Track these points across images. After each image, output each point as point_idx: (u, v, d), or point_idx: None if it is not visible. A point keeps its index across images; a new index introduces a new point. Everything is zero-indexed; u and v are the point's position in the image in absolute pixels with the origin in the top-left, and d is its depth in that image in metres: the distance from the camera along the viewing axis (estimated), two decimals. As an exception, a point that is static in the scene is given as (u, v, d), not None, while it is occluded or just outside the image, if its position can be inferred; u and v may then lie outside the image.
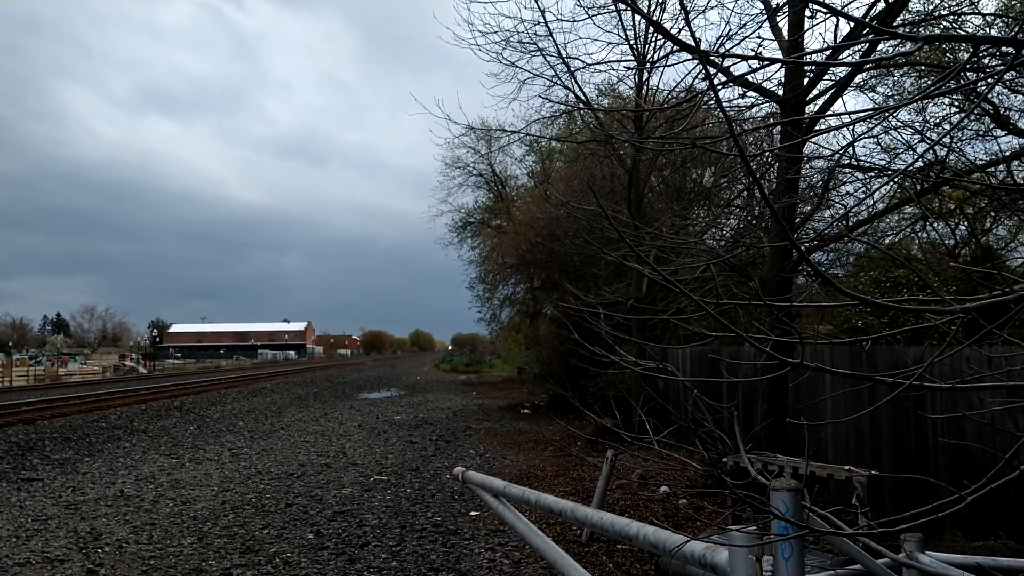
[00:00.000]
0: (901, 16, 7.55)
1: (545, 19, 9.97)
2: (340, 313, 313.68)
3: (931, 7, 8.69)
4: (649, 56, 11.98)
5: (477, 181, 35.29)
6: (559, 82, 11.93)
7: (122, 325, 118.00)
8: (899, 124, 8.63)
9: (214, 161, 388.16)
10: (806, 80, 7.99)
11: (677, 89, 11.47)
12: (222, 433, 17.39)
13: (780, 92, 8.39)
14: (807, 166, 9.77)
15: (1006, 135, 9.72)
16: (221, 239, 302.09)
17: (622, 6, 9.75)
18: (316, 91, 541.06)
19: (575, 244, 15.51)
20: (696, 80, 10.44)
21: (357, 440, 15.85)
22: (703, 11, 9.95)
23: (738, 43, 9.43)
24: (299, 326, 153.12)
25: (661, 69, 12.87)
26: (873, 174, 8.33)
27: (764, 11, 8.54)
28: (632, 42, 11.91)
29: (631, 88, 13.81)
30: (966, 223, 11.87)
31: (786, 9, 8.21)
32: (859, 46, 6.81)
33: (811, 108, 8.32)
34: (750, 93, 8.69)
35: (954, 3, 8.66)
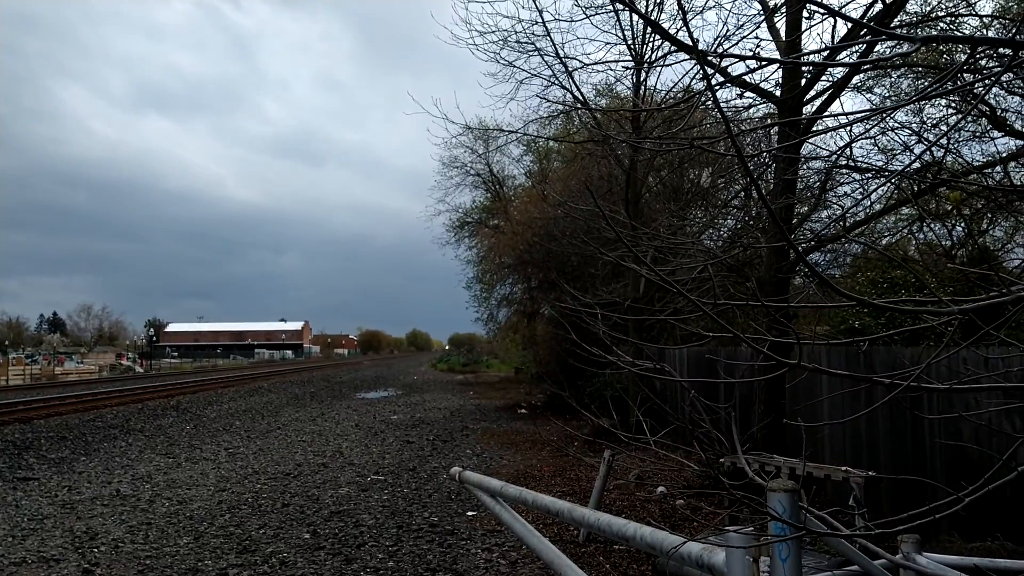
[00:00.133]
0: (898, 18, 7.57)
1: (543, 19, 9.97)
2: (337, 312, 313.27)
3: (928, 9, 8.71)
4: (647, 56, 11.99)
5: (475, 181, 35.31)
6: (557, 82, 11.94)
7: (119, 324, 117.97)
8: (896, 125, 8.65)
9: (211, 160, 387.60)
10: (803, 81, 7.99)
11: (675, 89, 11.48)
12: (219, 432, 17.36)
13: (777, 93, 8.40)
14: (804, 167, 9.78)
15: (1003, 136, 9.74)
16: (218, 238, 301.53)
17: (620, 6, 9.76)
18: (313, 90, 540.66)
19: (572, 244, 15.51)
20: (694, 80, 10.46)
21: (354, 440, 15.83)
22: (701, 11, 9.95)
23: (736, 43, 9.44)
24: (296, 325, 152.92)
25: (659, 69, 12.89)
26: (870, 175, 8.35)
27: (762, 12, 8.55)
28: (630, 42, 11.91)
29: (629, 88, 13.83)
30: (963, 224, 11.90)
31: (784, 10, 8.21)
32: (857, 47, 6.82)
33: (808, 109, 8.33)
34: (748, 94, 8.69)
35: (951, 5, 8.67)
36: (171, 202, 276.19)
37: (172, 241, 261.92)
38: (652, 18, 10.53)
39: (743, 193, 14.15)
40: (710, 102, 9.77)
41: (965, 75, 5.91)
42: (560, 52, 10.87)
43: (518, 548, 7.30)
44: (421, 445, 14.95)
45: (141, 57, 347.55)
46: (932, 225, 11.52)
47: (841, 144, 8.83)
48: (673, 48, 8.57)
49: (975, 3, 8.60)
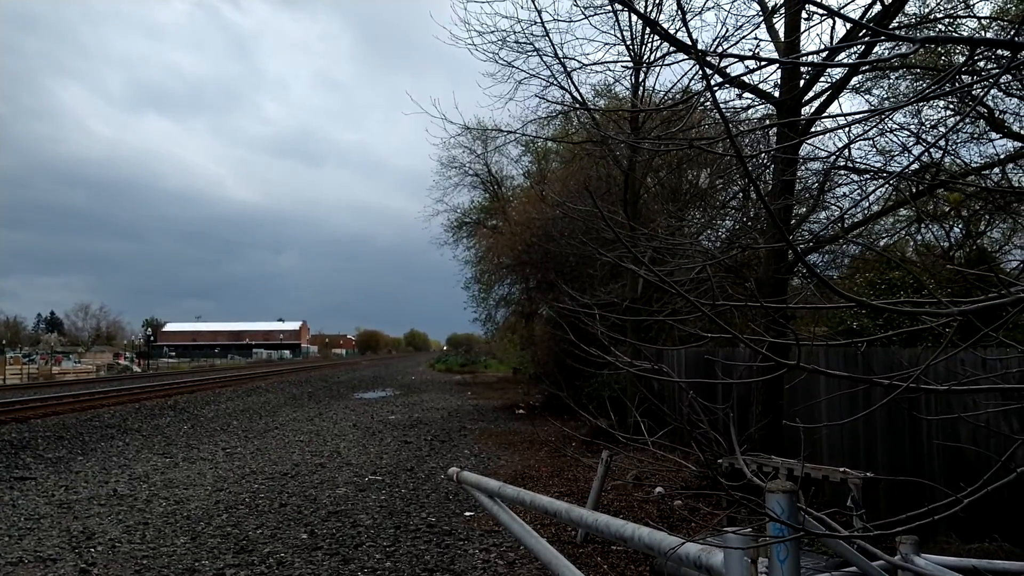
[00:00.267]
0: (897, 19, 7.57)
1: (542, 19, 9.93)
2: (335, 313, 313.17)
3: (927, 10, 8.72)
4: (645, 57, 11.97)
5: (473, 181, 35.28)
6: (555, 82, 11.91)
7: (116, 324, 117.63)
8: (895, 127, 8.65)
9: (210, 160, 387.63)
10: (802, 82, 8.00)
11: (673, 90, 11.48)
12: (216, 432, 17.34)
13: (776, 94, 8.41)
14: (803, 168, 9.77)
15: (1001, 138, 9.74)
16: (217, 238, 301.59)
17: (619, 6, 9.75)
18: (312, 90, 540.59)
19: (571, 245, 15.50)
20: (692, 81, 10.45)
21: (352, 440, 15.82)
22: (700, 12, 9.94)
23: (734, 44, 9.42)
24: (294, 325, 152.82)
25: (657, 70, 12.90)
26: (869, 176, 8.35)
27: (761, 13, 8.55)
28: (628, 43, 11.90)
29: (627, 89, 13.82)
30: (960, 226, 11.91)
31: (783, 11, 8.22)
32: (855, 48, 6.82)
33: (807, 110, 8.33)
34: (746, 94, 8.70)
35: (949, 6, 8.68)
36: (170, 202, 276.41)
37: (171, 241, 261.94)
38: (651, 18, 10.52)
39: (741, 194, 14.15)
40: (709, 103, 9.77)
41: (963, 77, 5.91)
42: (559, 52, 10.84)
43: (516, 548, 7.30)
44: (419, 445, 14.94)
45: (140, 57, 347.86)
46: (930, 226, 11.53)
47: (839, 145, 8.84)
48: (672, 48, 8.57)
49: (973, 5, 8.61)
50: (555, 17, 14.18)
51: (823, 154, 9.20)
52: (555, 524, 7.94)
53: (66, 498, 9.89)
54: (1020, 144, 9.60)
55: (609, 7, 10.36)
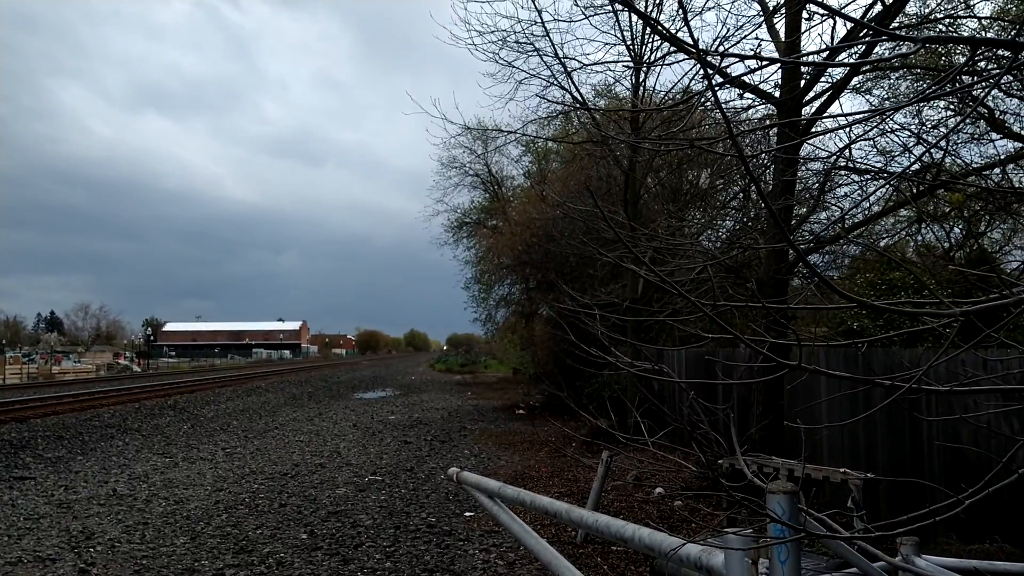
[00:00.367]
0: (897, 19, 7.57)
1: (542, 19, 9.91)
2: (335, 313, 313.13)
3: (927, 11, 8.71)
4: (646, 57, 11.97)
5: (473, 181, 35.28)
6: (556, 82, 11.90)
7: (116, 323, 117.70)
8: (895, 127, 8.64)
9: (209, 160, 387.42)
10: (803, 82, 7.99)
11: (674, 90, 11.47)
12: (216, 432, 17.34)
13: (777, 94, 8.40)
14: (803, 168, 9.77)
15: (1001, 138, 9.74)
16: (216, 238, 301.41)
17: (619, 6, 9.74)
18: (312, 90, 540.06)
19: (571, 245, 15.49)
20: (693, 81, 10.44)
21: (351, 440, 15.81)
22: (700, 12, 9.93)
23: (734, 45, 9.41)
24: (294, 325, 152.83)
25: (658, 70, 12.88)
26: (869, 176, 8.34)
27: (761, 12, 8.54)
28: (629, 43, 11.89)
29: (628, 89, 13.81)
30: (961, 226, 11.90)
31: (783, 11, 8.21)
32: (856, 48, 6.82)
33: (807, 110, 8.33)
34: (747, 95, 8.69)
35: (950, 6, 8.68)
36: (169, 201, 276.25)
37: (170, 240, 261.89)
38: (651, 18, 10.51)
39: (742, 194, 14.15)
40: (709, 103, 9.77)
41: (964, 77, 5.90)
42: (559, 52, 10.82)
43: (516, 549, 7.29)
44: (419, 445, 14.93)
45: (140, 57, 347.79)
46: (931, 227, 11.53)
47: (840, 145, 8.83)
48: (672, 49, 8.56)
49: (974, 5, 8.61)
50: (555, 17, 14.16)
51: (823, 154, 9.20)
52: (555, 524, 7.93)
53: (65, 498, 9.88)
54: (1020, 144, 9.59)
55: (609, 7, 10.36)
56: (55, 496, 10.00)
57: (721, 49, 8.47)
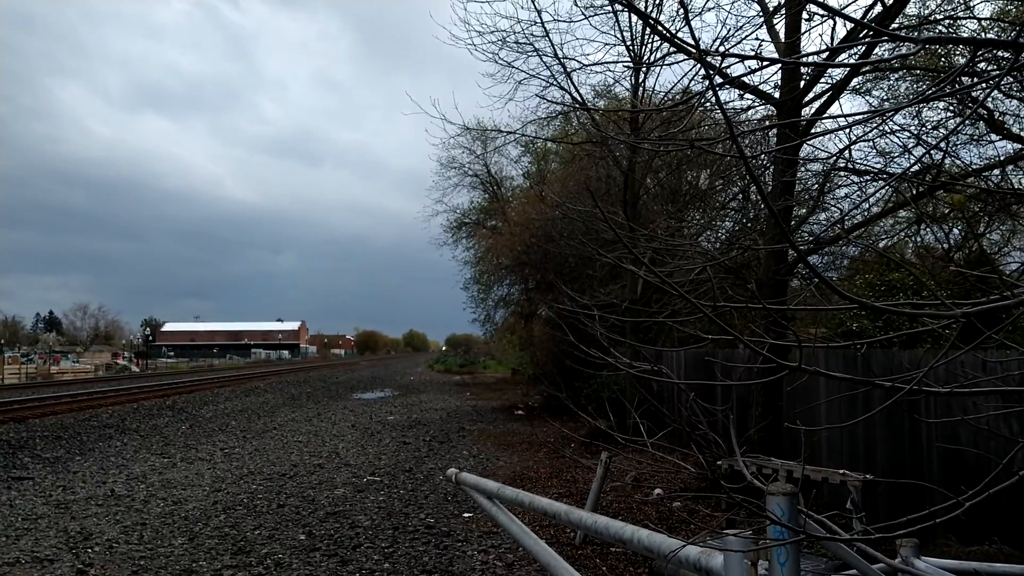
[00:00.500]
0: (897, 20, 7.57)
1: (541, 19, 9.92)
2: (334, 313, 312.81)
3: (927, 12, 8.71)
4: (645, 57, 11.97)
5: (472, 182, 35.27)
6: (555, 83, 11.90)
7: (115, 323, 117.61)
8: (895, 128, 8.63)
9: (208, 159, 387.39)
10: (802, 83, 7.99)
11: (673, 91, 11.47)
12: (214, 433, 17.32)
13: (776, 95, 8.40)
14: (803, 169, 9.77)
15: (1001, 140, 9.74)
16: (215, 238, 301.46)
17: (619, 7, 9.74)
18: (311, 90, 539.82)
19: (570, 245, 15.49)
20: (692, 82, 10.44)
21: (350, 440, 15.80)
22: (700, 13, 9.94)
23: (734, 45, 9.42)
24: (293, 326, 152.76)
25: (657, 71, 12.88)
26: (869, 177, 8.34)
27: (761, 13, 8.54)
28: (628, 43, 11.89)
29: (627, 90, 13.80)
30: (960, 227, 11.90)
31: (783, 12, 8.21)
32: (856, 49, 6.81)
33: (807, 111, 8.33)
34: (747, 95, 8.68)
35: (950, 7, 8.68)
36: (168, 201, 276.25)
37: (169, 240, 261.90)
38: (651, 19, 10.51)
39: (741, 195, 14.15)
40: (708, 103, 9.77)
41: (964, 78, 5.90)
42: (559, 53, 10.83)
43: (514, 550, 7.28)
44: (417, 446, 14.92)
45: (139, 56, 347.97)
46: (930, 228, 11.52)
47: (839, 146, 8.83)
48: (672, 49, 8.56)
49: (974, 6, 8.61)
50: (555, 17, 14.15)
51: (823, 155, 9.19)
52: (554, 525, 7.92)
53: (63, 498, 9.86)
54: (1020, 146, 9.59)
55: (609, 7, 10.36)
56: (53, 496, 9.98)
57: (721, 50, 8.47)
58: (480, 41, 12.51)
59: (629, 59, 12.04)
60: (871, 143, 8.99)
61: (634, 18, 11.24)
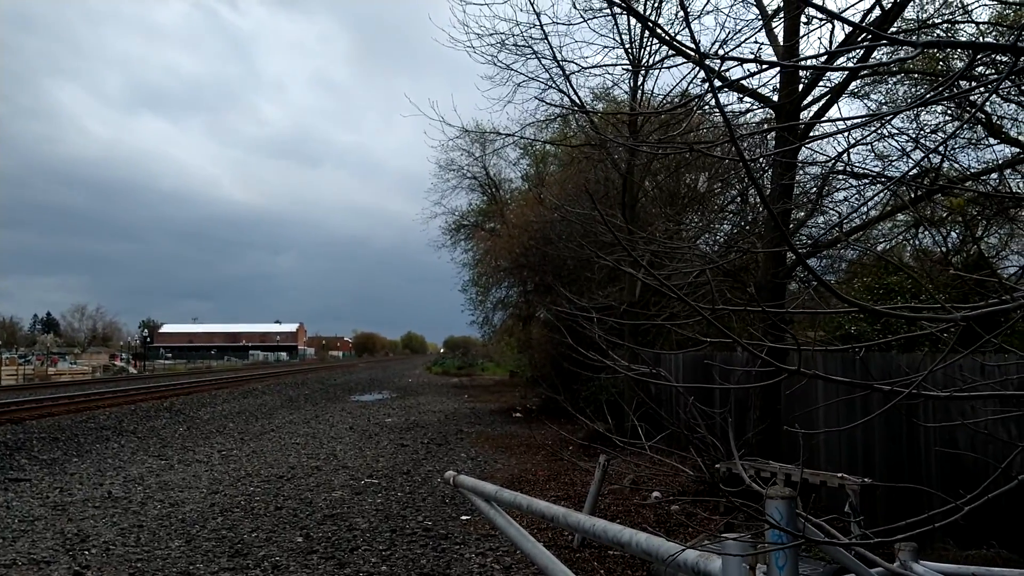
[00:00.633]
0: (896, 24, 7.58)
1: (540, 22, 9.96)
2: (332, 315, 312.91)
3: (925, 16, 8.73)
4: (644, 60, 11.99)
5: (471, 184, 35.28)
6: (554, 85, 11.92)
7: (113, 325, 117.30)
8: (894, 131, 8.65)
9: (206, 160, 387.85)
10: (801, 86, 8.00)
11: (672, 94, 11.48)
12: (212, 435, 17.29)
13: (775, 98, 8.40)
14: (801, 172, 9.78)
15: (999, 143, 9.76)
16: (213, 239, 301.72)
17: (618, 10, 9.75)
18: (309, 92, 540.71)
19: (569, 248, 15.49)
20: (691, 85, 10.45)
21: (348, 443, 15.78)
22: (698, 16, 9.96)
23: (733, 49, 9.44)
24: (291, 327, 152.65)
25: (656, 73, 12.90)
26: (867, 181, 8.35)
27: (760, 17, 8.56)
28: (627, 46, 11.91)
29: (626, 93, 13.82)
30: (958, 231, 11.91)
31: (782, 15, 8.22)
32: (855, 52, 6.82)
33: (805, 115, 8.34)
34: (746, 99, 8.69)
35: (948, 12, 8.69)
36: (167, 202, 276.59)
37: (167, 241, 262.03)
38: (650, 21, 10.52)
39: (739, 198, 14.16)
40: (707, 107, 9.77)
41: (962, 82, 5.91)
42: (557, 55, 10.87)
43: (512, 553, 7.27)
44: (415, 448, 14.90)
45: (138, 57, 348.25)
46: (928, 231, 11.53)
47: (838, 150, 8.84)
48: (671, 52, 8.57)
49: (971, 11, 8.62)
50: (554, 20, 14.14)
51: (822, 158, 9.20)
52: (552, 529, 7.90)
53: (60, 500, 9.84)
54: (1018, 150, 9.61)
55: (608, 10, 10.37)
56: (50, 498, 9.95)
57: (720, 53, 8.48)
58: (479, 43, 12.53)
59: (628, 62, 12.06)
60: (870, 146, 9.02)
61: (633, 21, 11.26)
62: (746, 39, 9.70)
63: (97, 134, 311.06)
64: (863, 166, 8.96)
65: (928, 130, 9.31)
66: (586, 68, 11.56)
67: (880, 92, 10.33)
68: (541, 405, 22.29)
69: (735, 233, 13.25)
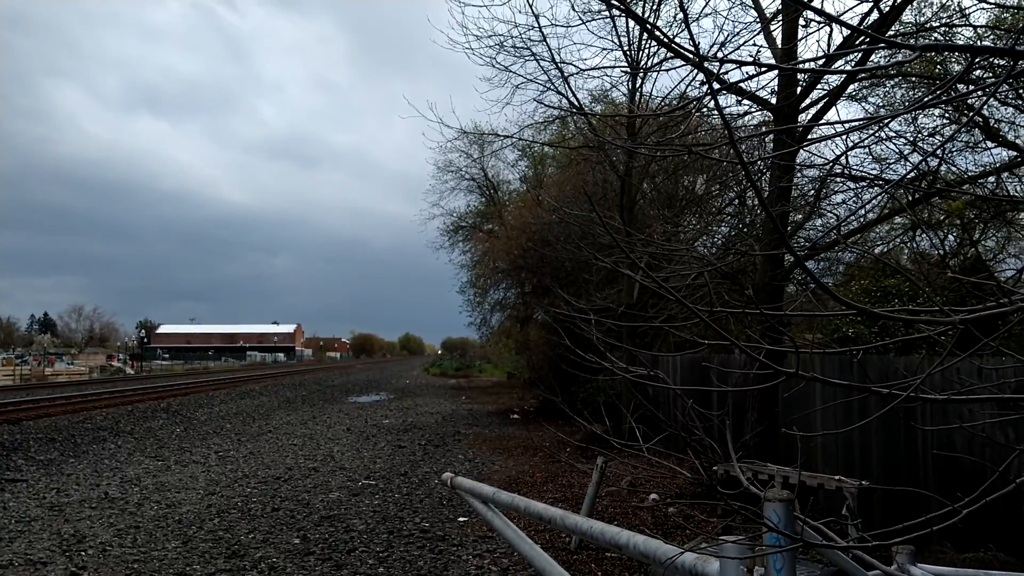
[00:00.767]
0: (894, 27, 7.59)
1: (539, 24, 9.96)
2: (330, 316, 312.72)
3: (923, 19, 8.75)
4: (642, 62, 12.00)
5: (469, 185, 35.29)
6: (553, 87, 11.94)
7: (110, 325, 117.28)
8: (892, 134, 8.66)
9: (204, 161, 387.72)
10: (799, 89, 8.01)
11: (670, 96, 11.50)
12: (209, 435, 17.26)
13: (773, 101, 8.41)
14: (799, 174, 9.79)
15: (996, 147, 9.78)
16: (211, 239, 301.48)
17: (616, 12, 9.76)
18: (308, 93, 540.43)
19: (567, 250, 15.49)
20: (689, 87, 10.46)
21: (345, 444, 15.76)
22: (697, 18, 9.98)
23: (731, 52, 9.46)
24: (288, 328, 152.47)
25: (654, 76, 12.92)
26: (865, 184, 8.36)
27: (758, 19, 8.57)
28: (626, 48, 11.93)
29: (624, 95, 13.85)
30: (955, 234, 11.93)
31: (780, 18, 8.23)
32: (853, 56, 6.83)
33: (803, 117, 8.35)
34: (744, 101, 8.71)
35: (946, 15, 8.72)
36: (164, 203, 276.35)
37: (164, 242, 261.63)
38: (649, 23, 10.54)
39: (737, 200, 14.17)
40: (705, 109, 9.78)
41: (959, 86, 5.92)
42: (556, 57, 10.88)
43: (509, 555, 7.26)
44: (413, 450, 14.89)
45: (136, 58, 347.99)
46: (926, 234, 11.55)
47: (836, 153, 8.85)
48: (669, 55, 8.57)
49: (969, 14, 8.64)
50: (552, 22, 14.16)
51: (820, 161, 9.21)
52: (549, 530, 7.90)
53: (57, 501, 9.81)
54: (1015, 153, 9.63)
55: (607, 12, 10.38)
56: (47, 499, 9.93)
57: (719, 55, 8.50)
58: (478, 45, 12.53)
59: (626, 64, 12.08)
60: (867, 149, 9.04)
61: (631, 23, 11.28)
62: (744, 42, 9.72)
63: (95, 135, 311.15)
64: (861, 169, 8.98)
65: (926, 133, 9.33)
66: (584, 70, 11.57)
67: (878, 95, 10.35)
68: (539, 407, 22.28)
69: (733, 235, 13.25)
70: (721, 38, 9.44)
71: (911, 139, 8.95)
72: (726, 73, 6.99)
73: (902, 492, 7.10)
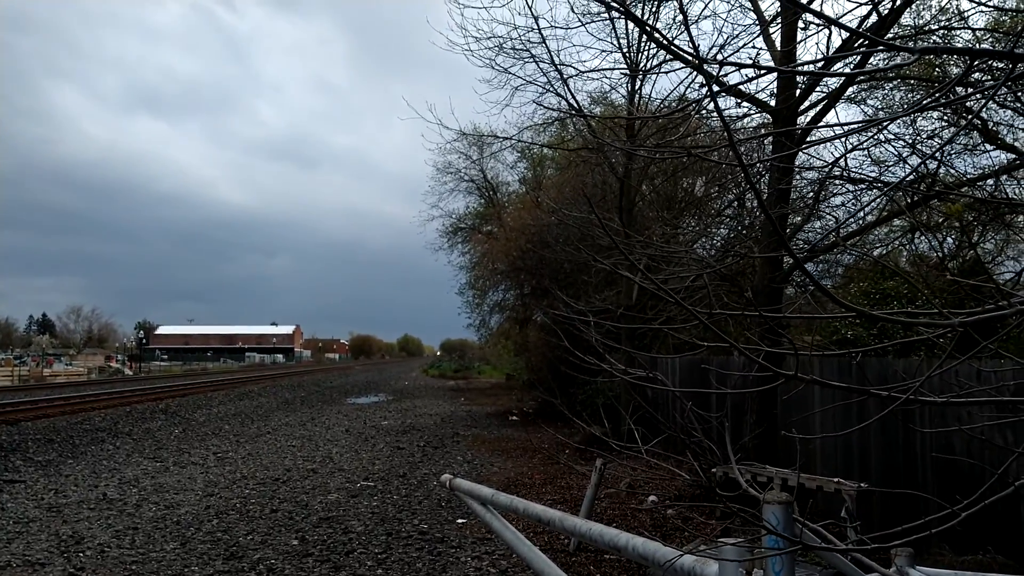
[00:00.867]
0: (893, 30, 7.60)
1: (538, 26, 9.97)
2: (329, 317, 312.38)
3: (922, 22, 8.77)
4: (642, 64, 12.01)
5: (468, 187, 35.28)
6: (552, 89, 11.94)
7: (108, 326, 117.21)
8: (890, 137, 8.68)
9: (203, 162, 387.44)
10: (798, 92, 8.01)
11: (669, 98, 11.51)
12: (207, 437, 17.25)
13: (772, 103, 8.42)
14: (798, 177, 9.80)
15: (994, 149, 9.79)
16: (210, 240, 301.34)
17: (615, 14, 9.78)
18: (307, 94, 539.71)
19: (566, 251, 15.50)
20: (688, 90, 10.47)
21: (344, 445, 15.75)
22: (696, 21, 9.99)
23: (731, 54, 9.47)
24: (287, 329, 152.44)
25: (654, 78, 12.93)
26: (864, 186, 8.37)
27: (757, 22, 8.58)
28: (625, 50, 11.94)
29: (623, 97, 13.85)
30: (954, 236, 11.94)
31: (779, 21, 8.24)
32: (852, 58, 6.84)
33: (802, 120, 8.36)
34: (743, 104, 8.72)
35: (944, 18, 8.73)
36: (163, 204, 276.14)
37: (163, 243, 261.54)
38: (648, 26, 10.54)
39: (736, 202, 14.19)
40: (704, 111, 9.79)
41: (958, 88, 5.93)
42: (555, 59, 10.89)
43: (508, 557, 7.26)
44: (411, 451, 14.88)
45: (135, 58, 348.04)
46: (924, 237, 11.57)
47: (835, 155, 8.86)
48: (668, 57, 8.58)
49: (968, 17, 8.66)
50: (552, 24, 14.16)
51: (818, 164, 9.22)
52: (548, 532, 7.89)
53: (55, 502, 9.80)
54: (1013, 156, 9.65)
55: (606, 14, 10.39)
56: (45, 500, 9.92)
57: (718, 58, 8.50)
58: (477, 47, 12.55)
59: (625, 66, 12.10)
60: (866, 152, 9.05)
61: (631, 25, 11.29)
62: (744, 44, 9.74)
63: (94, 135, 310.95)
64: (860, 171, 8.99)
65: (924, 136, 9.35)
66: (584, 72, 11.57)
67: (877, 98, 10.37)
68: (537, 408, 22.27)
69: (732, 237, 13.27)
70: (720, 40, 9.46)
71: (910, 141, 8.97)
72: (725, 75, 7.00)
73: (901, 494, 7.10)
